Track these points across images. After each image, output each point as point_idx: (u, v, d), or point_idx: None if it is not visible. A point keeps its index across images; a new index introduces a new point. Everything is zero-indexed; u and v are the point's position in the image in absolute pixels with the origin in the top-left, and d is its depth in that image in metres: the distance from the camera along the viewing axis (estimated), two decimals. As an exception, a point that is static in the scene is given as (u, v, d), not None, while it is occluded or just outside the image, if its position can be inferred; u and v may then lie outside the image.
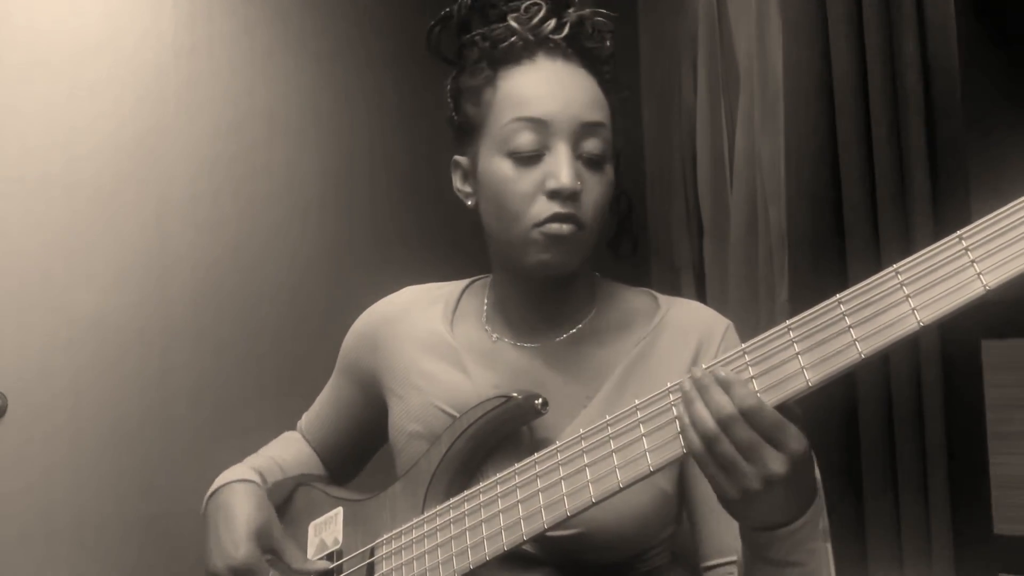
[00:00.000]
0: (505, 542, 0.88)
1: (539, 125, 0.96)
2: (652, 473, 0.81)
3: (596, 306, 1.07)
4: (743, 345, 0.79)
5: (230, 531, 1.02)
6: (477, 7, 1.03)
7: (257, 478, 1.11)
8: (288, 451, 1.22)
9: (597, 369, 1.02)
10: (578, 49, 1.01)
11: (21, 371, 1.79)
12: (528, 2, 1.01)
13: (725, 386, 0.76)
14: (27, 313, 1.81)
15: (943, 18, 1.83)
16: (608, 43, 1.03)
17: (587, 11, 1.02)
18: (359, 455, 1.24)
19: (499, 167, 0.98)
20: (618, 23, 1.05)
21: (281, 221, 2.18)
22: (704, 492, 0.97)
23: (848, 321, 0.74)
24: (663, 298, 1.08)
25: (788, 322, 0.78)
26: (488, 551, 0.89)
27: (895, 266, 0.72)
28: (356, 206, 2.30)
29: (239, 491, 1.07)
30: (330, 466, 1.24)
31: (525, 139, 0.96)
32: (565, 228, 0.95)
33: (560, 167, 0.95)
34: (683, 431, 0.78)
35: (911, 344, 1.82)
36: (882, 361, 1.87)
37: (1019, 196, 0.68)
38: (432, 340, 1.10)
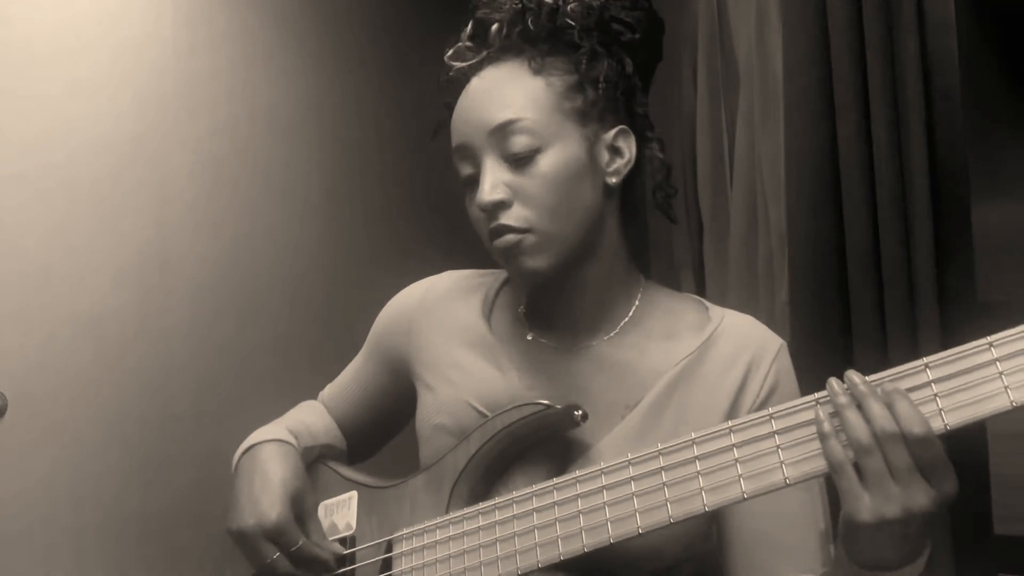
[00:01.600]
0: (540, 559, 0.85)
1: (464, 150, 0.97)
2: (706, 512, 0.78)
3: (636, 310, 1.03)
4: (815, 395, 0.76)
5: (267, 491, 0.99)
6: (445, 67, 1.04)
7: (294, 440, 1.08)
8: (316, 418, 1.19)
9: (639, 379, 0.98)
10: (517, 41, 0.98)
11: (21, 371, 1.79)
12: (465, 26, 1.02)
13: (892, 401, 0.72)
14: (27, 312, 1.81)
15: (943, 17, 1.83)
16: (562, 9, 0.98)
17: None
18: (380, 435, 1.22)
19: (465, 198, 1.00)
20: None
21: (280, 219, 2.18)
22: (742, 518, 0.94)
23: (935, 388, 0.71)
24: (715, 309, 1.04)
25: (925, 359, 0.74)
26: (520, 565, 0.86)
27: (989, 338, 0.70)
28: (356, 205, 2.30)
29: (277, 451, 1.04)
30: (350, 441, 1.21)
31: (463, 168, 0.98)
32: (505, 240, 0.94)
33: (480, 184, 0.95)
34: (824, 439, 0.73)
35: (911, 344, 1.82)
36: (881, 362, 1.87)
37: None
38: (469, 331, 1.07)
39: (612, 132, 0.99)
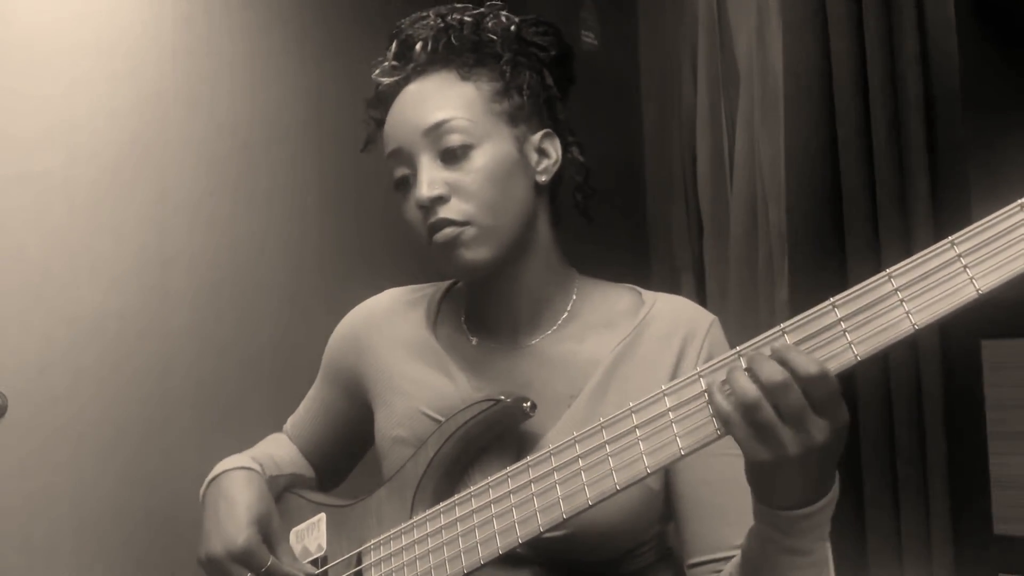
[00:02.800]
0: (500, 545, 0.88)
1: (398, 154, 1.01)
2: (649, 475, 0.80)
3: (574, 304, 1.06)
4: (738, 347, 0.79)
5: (232, 516, 1.01)
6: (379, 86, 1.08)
7: (258, 467, 1.10)
8: (281, 450, 1.21)
9: (580, 368, 1.02)
10: (441, 55, 1.03)
11: (21, 371, 1.79)
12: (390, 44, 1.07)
13: (781, 355, 0.75)
14: (27, 312, 1.81)
15: (943, 18, 1.83)
16: (482, 24, 1.04)
17: (455, 14, 1.05)
18: (346, 459, 1.24)
19: (398, 203, 1.03)
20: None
21: (281, 220, 2.18)
22: (691, 490, 0.98)
23: (844, 325, 0.74)
24: (647, 294, 1.07)
25: (783, 324, 0.78)
26: (482, 555, 0.89)
27: (888, 270, 0.73)
28: (355, 206, 2.30)
29: (241, 478, 1.06)
30: (317, 469, 1.23)
31: (397, 171, 1.02)
32: (444, 234, 0.97)
33: (417, 182, 0.99)
34: (709, 397, 0.77)
35: (911, 344, 1.82)
36: (882, 361, 1.87)
37: (1019, 196, 0.68)
38: (416, 343, 1.10)
39: (539, 134, 1.04)
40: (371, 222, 2.31)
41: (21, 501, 1.77)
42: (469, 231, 0.97)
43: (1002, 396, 1.80)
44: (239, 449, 1.16)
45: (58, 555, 1.81)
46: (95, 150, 1.91)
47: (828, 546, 0.84)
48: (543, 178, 1.04)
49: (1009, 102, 1.92)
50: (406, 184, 1.01)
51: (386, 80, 1.06)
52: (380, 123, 1.07)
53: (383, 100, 1.06)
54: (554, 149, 1.05)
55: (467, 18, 1.04)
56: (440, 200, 0.97)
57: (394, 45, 1.07)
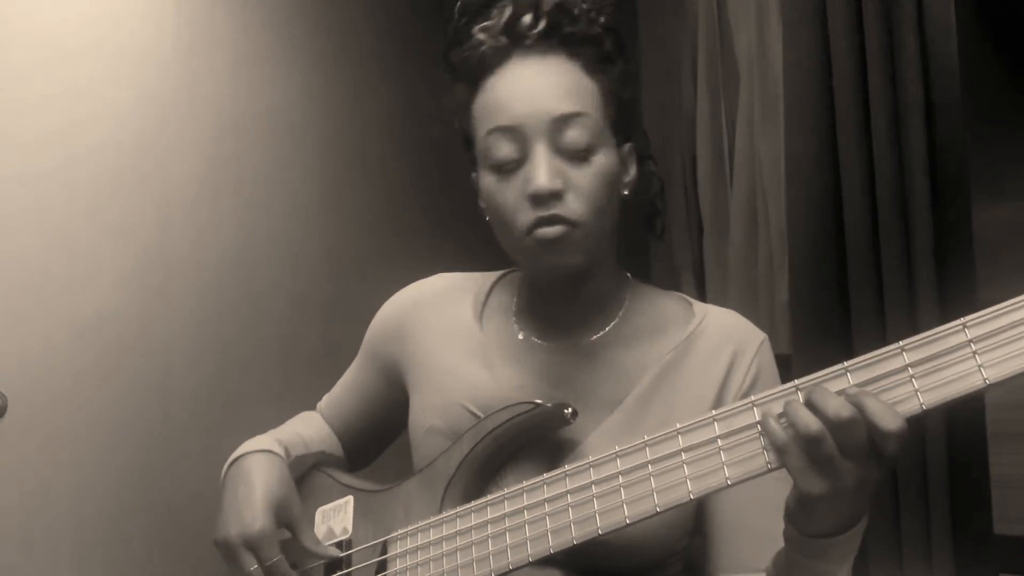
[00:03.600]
0: (530, 553, 0.86)
1: (511, 132, 0.94)
2: (691, 501, 0.79)
3: (626, 308, 1.05)
4: (796, 381, 0.77)
5: (250, 501, 1.00)
6: (457, 30, 1.01)
7: (281, 451, 1.08)
8: (311, 428, 1.20)
9: (626, 374, 1.00)
10: (559, 38, 0.96)
11: (21, 371, 1.79)
12: (497, 5, 0.98)
13: (859, 400, 0.73)
14: (27, 313, 1.81)
15: (943, 18, 1.83)
16: (599, 19, 0.98)
17: None
18: (378, 442, 1.23)
19: (487, 181, 0.97)
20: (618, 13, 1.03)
21: (282, 220, 2.18)
22: (722, 508, 0.96)
23: (911, 371, 0.73)
24: (698, 305, 1.05)
25: (846, 363, 0.76)
26: (511, 560, 0.87)
27: (963, 319, 0.71)
28: (357, 206, 2.30)
29: (262, 461, 1.05)
30: (348, 450, 1.22)
31: (502, 149, 0.95)
32: (553, 230, 0.93)
33: (536, 170, 0.92)
34: (763, 426, 0.76)
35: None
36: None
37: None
38: (460, 333, 1.08)
39: (627, 147, 1.02)
40: (372, 223, 2.31)
41: (21, 500, 1.77)
42: (576, 233, 0.94)
43: (1002, 396, 1.81)
44: (227, 460, 1.15)
45: (58, 554, 1.81)
46: (95, 151, 1.91)
47: (850, 569, 0.83)
48: (626, 191, 1.01)
49: (1009, 102, 1.92)
50: (510, 166, 0.95)
51: (489, 42, 0.97)
52: (470, 81, 0.99)
53: (485, 64, 0.97)
54: (634, 164, 1.03)
55: (583, 7, 0.97)
56: (558, 195, 0.93)
57: (508, 9, 0.97)
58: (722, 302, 2.50)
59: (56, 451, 1.83)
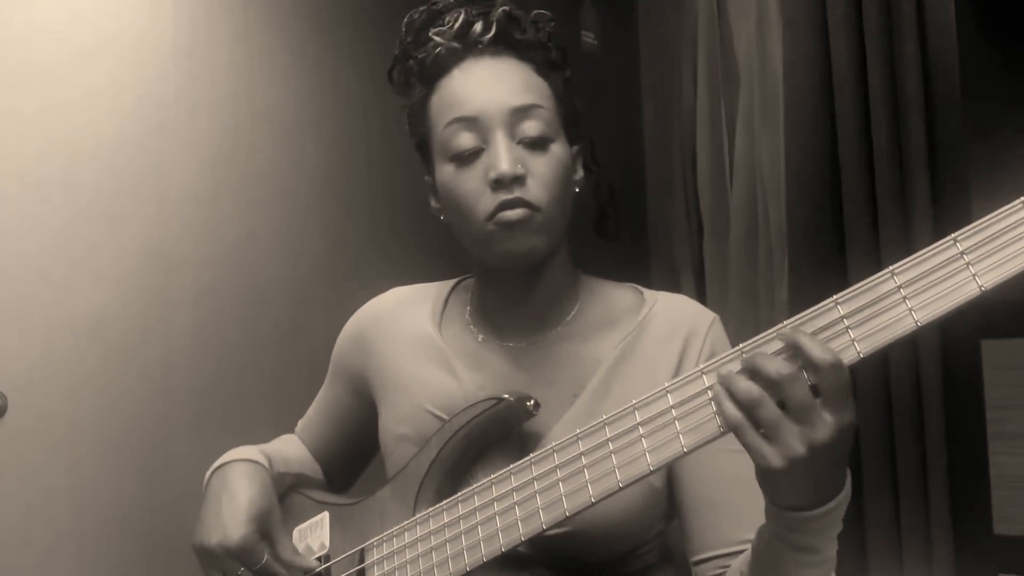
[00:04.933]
0: (503, 543, 0.87)
1: (471, 122, 0.98)
2: (651, 472, 0.80)
3: (580, 303, 1.07)
4: (740, 345, 0.79)
5: (232, 510, 1.01)
6: (411, 37, 1.06)
7: (265, 461, 1.09)
8: (290, 449, 1.21)
9: (583, 366, 1.02)
10: (508, 43, 1.02)
11: (21, 371, 1.79)
12: (449, 14, 1.03)
13: (795, 340, 0.75)
14: (27, 313, 1.81)
15: (943, 18, 1.84)
16: (543, 30, 1.04)
17: (513, 9, 1.03)
18: (355, 460, 1.24)
19: (447, 173, 1.00)
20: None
21: (282, 222, 2.18)
22: (693, 487, 0.98)
23: (846, 322, 0.74)
24: (649, 293, 1.07)
25: (784, 323, 0.78)
26: (485, 552, 0.88)
27: (891, 267, 0.73)
28: (357, 207, 2.30)
29: (246, 471, 1.06)
30: (328, 472, 1.23)
31: (462, 139, 0.98)
32: (516, 213, 0.95)
33: (498, 156, 0.96)
34: (717, 404, 0.77)
35: (910, 344, 1.82)
36: (882, 361, 1.87)
37: (1020, 196, 0.69)
38: (421, 342, 1.10)
39: (575, 149, 1.06)
40: (373, 223, 2.31)
41: (21, 501, 1.77)
42: (538, 217, 0.96)
43: (1002, 396, 1.81)
44: (210, 467, 1.15)
45: (58, 555, 1.81)
46: (95, 152, 1.91)
47: (836, 544, 0.84)
48: (576, 188, 1.05)
49: (1009, 101, 1.92)
50: (470, 155, 0.98)
51: (444, 44, 1.02)
52: (425, 82, 1.04)
53: (440, 65, 1.02)
54: (580, 167, 1.06)
55: (531, 18, 1.03)
56: (520, 180, 0.96)
57: (460, 16, 1.02)
58: (722, 302, 2.51)
59: (56, 451, 1.83)
